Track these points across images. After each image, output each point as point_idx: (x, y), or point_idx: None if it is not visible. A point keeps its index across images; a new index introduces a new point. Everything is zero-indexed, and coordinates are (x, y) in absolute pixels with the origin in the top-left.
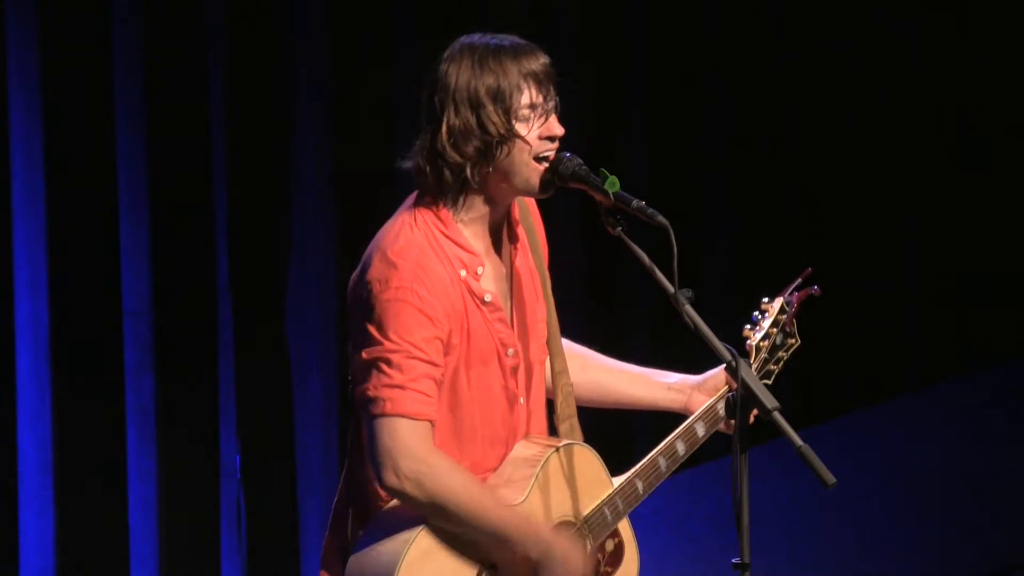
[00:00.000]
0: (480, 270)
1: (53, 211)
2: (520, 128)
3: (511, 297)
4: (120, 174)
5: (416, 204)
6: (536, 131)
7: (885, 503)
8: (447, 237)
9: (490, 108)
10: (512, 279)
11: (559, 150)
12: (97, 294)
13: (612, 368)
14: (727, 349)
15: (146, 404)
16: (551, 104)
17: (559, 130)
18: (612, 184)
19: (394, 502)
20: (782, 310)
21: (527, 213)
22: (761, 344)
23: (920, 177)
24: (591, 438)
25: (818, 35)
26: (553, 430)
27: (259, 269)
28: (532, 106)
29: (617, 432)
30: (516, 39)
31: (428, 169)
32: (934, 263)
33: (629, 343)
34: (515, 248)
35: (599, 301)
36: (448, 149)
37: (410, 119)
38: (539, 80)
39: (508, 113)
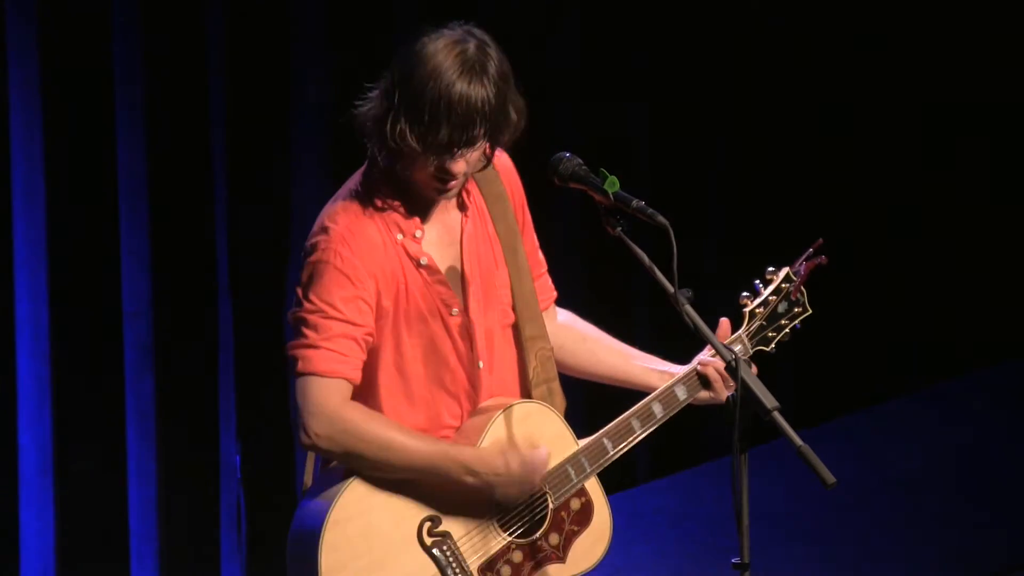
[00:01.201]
0: (419, 234)
1: (53, 211)
2: (418, 159)
3: (462, 263)
4: (120, 175)
5: (363, 172)
6: (435, 165)
7: (885, 503)
8: (386, 203)
9: (407, 128)
10: (462, 246)
11: (558, 150)
12: (97, 294)
13: (609, 344)
14: (727, 349)
15: (146, 404)
16: (467, 143)
17: (457, 169)
18: (612, 184)
19: (335, 463)
20: (787, 279)
21: (494, 181)
22: (756, 311)
23: (920, 176)
24: (587, 408)
25: (818, 35)
26: (528, 395)
27: (259, 269)
28: (443, 145)
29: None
30: (481, 67)
31: (360, 128)
32: (934, 263)
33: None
34: (465, 216)
35: (599, 301)
36: (371, 128)
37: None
38: (461, 126)
39: (418, 141)
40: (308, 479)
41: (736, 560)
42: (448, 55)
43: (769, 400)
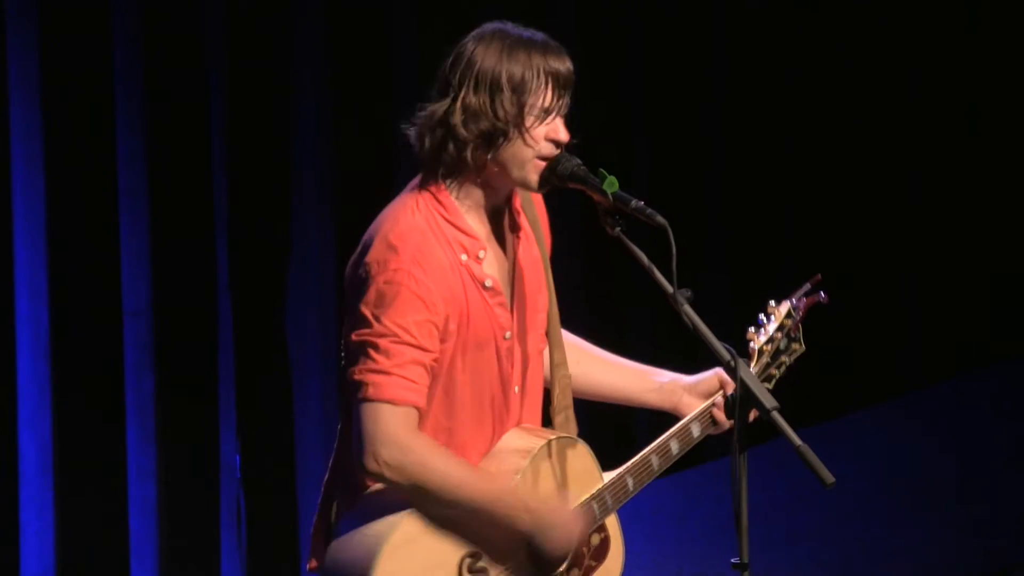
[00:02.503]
0: (482, 254)
1: (53, 211)
2: (529, 123)
3: (512, 285)
4: (120, 174)
5: (418, 188)
6: (544, 131)
7: (884, 503)
8: (448, 222)
9: (507, 96)
10: (514, 267)
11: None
12: (97, 294)
13: (607, 362)
14: (726, 349)
15: (146, 404)
16: (563, 109)
17: (564, 136)
18: (611, 184)
19: (379, 485)
20: (788, 315)
21: (530, 204)
22: (764, 348)
23: (920, 176)
24: (593, 433)
25: (818, 35)
26: (548, 421)
27: (259, 269)
28: (546, 108)
29: (618, 429)
30: (547, 37)
31: (430, 138)
32: (934, 263)
33: (628, 344)
34: (517, 237)
35: (598, 301)
36: (458, 124)
37: (410, 119)
38: (559, 83)
39: (523, 106)
40: (333, 518)
41: (736, 560)
42: (502, 27)
43: (768, 400)
